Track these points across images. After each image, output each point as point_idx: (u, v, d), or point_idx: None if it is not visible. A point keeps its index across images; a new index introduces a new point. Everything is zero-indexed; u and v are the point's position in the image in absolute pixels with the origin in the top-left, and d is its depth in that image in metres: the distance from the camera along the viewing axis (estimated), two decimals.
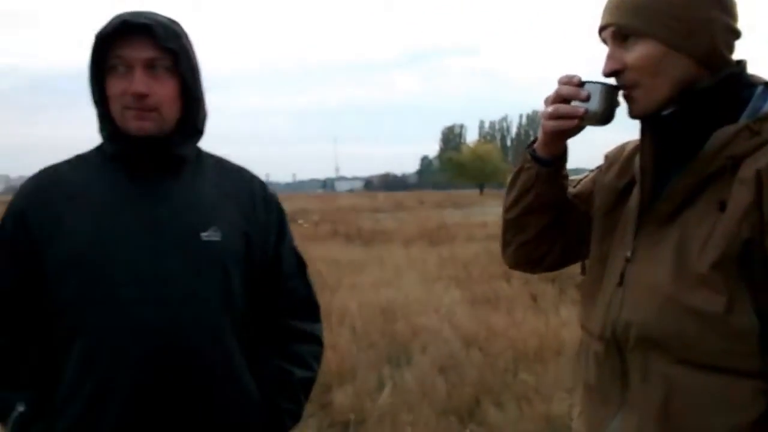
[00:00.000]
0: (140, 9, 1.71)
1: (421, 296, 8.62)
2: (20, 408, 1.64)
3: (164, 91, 1.68)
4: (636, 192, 1.47)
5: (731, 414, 1.27)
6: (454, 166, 74.78)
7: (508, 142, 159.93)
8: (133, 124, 1.67)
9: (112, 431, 1.62)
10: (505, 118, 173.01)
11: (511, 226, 1.65)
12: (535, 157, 1.56)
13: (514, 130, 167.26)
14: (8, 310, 1.70)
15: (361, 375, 5.63)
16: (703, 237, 1.31)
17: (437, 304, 8.25)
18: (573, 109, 1.44)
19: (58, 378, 1.66)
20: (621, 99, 1.44)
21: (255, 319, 1.80)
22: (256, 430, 1.78)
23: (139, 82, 1.64)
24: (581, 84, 1.44)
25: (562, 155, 1.56)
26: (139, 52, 1.66)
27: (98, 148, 1.78)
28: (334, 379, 5.51)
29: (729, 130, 1.33)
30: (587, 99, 1.43)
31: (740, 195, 1.29)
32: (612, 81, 1.43)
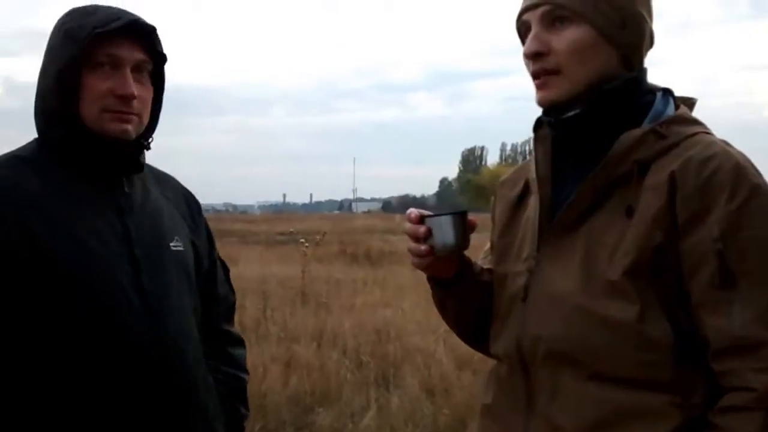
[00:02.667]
0: (111, 5, 1.65)
1: (419, 317, 8.48)
2: None
3: (147, 96, 1.64)
4: (533, 202, 1.41)
5: (645, 430, 1.22)
6: (473, 188, 74.89)
7: None
8: (114, 126, 1.58)
9: None
10: (527, 141, 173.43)
11: (453, 328, 1.61)
12: (436, 282, 1.50)
13: None
14: None
15: (346, 397, 5.51)
16: (611, 244, 1.26)
17: (435, 325, 8.10)
18: (416, 249, 1.39)
19: (42, 402, 1.51)
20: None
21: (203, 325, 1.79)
22: None
23: (131, 83, 1.58)
24: (420, 220, 1.38)
25: (460, 273, 1.49)
26: (132, 53, 1.60)
27: (39, 148, 1.63)
28: (318, 401, 5.39)
29: (635, 133, 1.29)
30: (427, 236, 1.37)
31: (650, 200, 1.24)
32: (458, 208, 1.43)
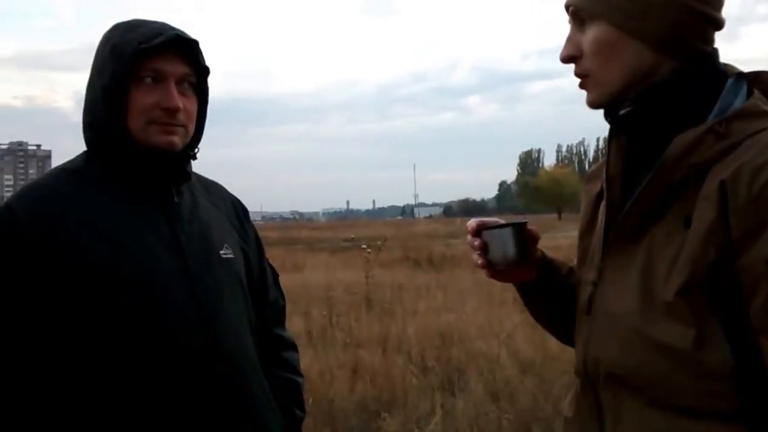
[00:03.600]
0: (154, 19, 1.71)
1: (481, 321, 8.50)
2: None
3: (192, 108, 1.68)
4: (603, 205, 1.33)
5: None
6: (531, 190, 74.08)
7: (586, 166, 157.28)
8: (161, 138, 1.62)
9: None
10: (582, 142, 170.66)
11: (546, 328, 1.59)
12: (518, 285, 1.51)
13: (591, 153, 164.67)
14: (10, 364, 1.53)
15: (411, 402, 5.56)
16: (669, 258, 1.16)
17: (498, 329, 8.11)
18: (475, 260, 1.40)
19: (99, 414, 1.54)
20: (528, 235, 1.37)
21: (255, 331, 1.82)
22: None
23: (176, 96, 1.62)
24: (477, 232, 1.39)
25: (545, 274, 1.47)
26: (176, 66, 1.64)
27: (91, 162, 1.68)
28: (384, 406, 5.46)
29: (690, 134, 1.16)
30: (483, 248, 1.38)
31: (704, 211, 1.13)
32: (521, 219, 1.40)
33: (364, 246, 11.16)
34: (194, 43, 1.67)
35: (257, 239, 1.93)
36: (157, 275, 1.60)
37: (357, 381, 5.93)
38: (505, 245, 1.36)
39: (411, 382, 6.03)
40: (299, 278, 12.87)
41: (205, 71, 1.71)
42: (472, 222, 1.40)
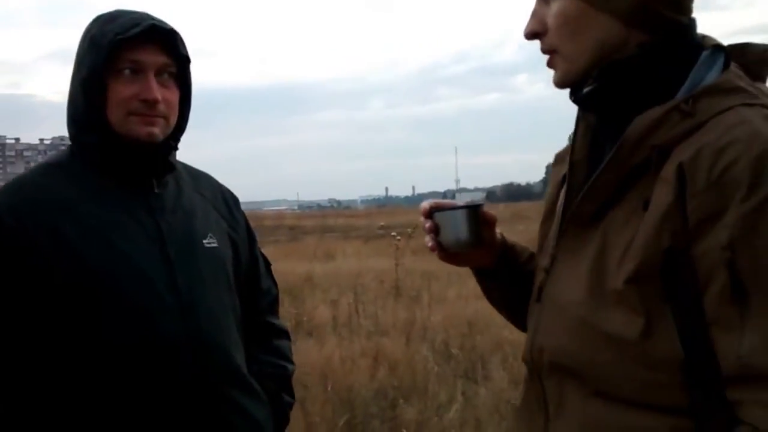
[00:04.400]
0: (136, 9, 1.69)
1: None
2: None
3: (173, 98, 1.68)
4: (564, 189, 1.27)
5: None
6: None
7: None
8: (141, 129, 1.63)
9: None
10: None
11: (503, 314, 1.54)
12: (477, 271, 1.46)
13: None
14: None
15: (432, 389, 5.52)
16: (624, 244, 1.10)
17: None
18: (427, 242, 1.35)
19: (72, 401, 1.56)
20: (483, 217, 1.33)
21: (243, 319, 1.83)
22: (268, 428, 1.79)
23: (155, 88, 1.62)
24: (430, 214, 1.33)
25: (503, 259, 1.42)
26: (155, 57, 1.63)
27: (73, 155, 1.70)
28: (404, 394, 5.43)
29: (653, 112, 1.09)
30: (435, 231, 1.32)
31: (660, 195, 1.06)
32: (476, 200, 1.34)
33: (393, 234, 11.13)
34: (173, 33, 1.65)
35: (248, 228, 1.93)
36: (138, 264, 1.61)
37: (378, 369, 5.91)
38: (457, 228, 1.32)
39: (433, 370, 5.98)
40: (331, 266, 12.89)
41: (186, 61, 1.70)
42: (425, 203, 1.35)
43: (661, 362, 1.06)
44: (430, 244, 1.34)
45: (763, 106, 1.09)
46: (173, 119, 1.70)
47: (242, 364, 1.75)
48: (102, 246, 1.58)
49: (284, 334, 1.97)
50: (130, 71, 1.62)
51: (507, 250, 1.44)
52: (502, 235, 1.43)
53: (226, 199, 1.89)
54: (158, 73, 1.64)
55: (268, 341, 1.90)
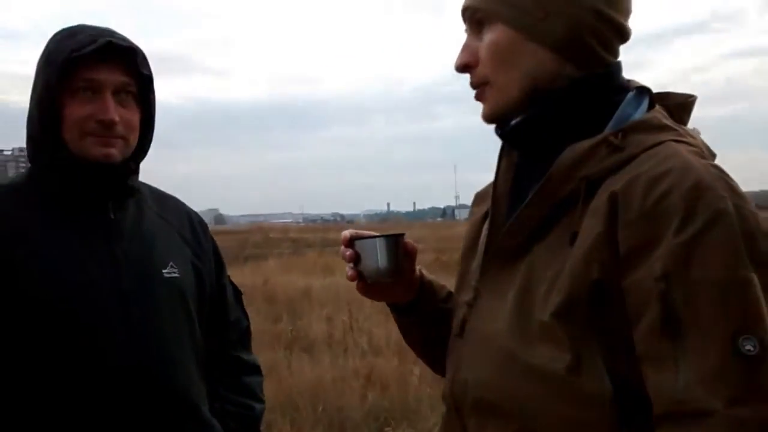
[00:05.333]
0: (93, 24, 1.63)
1: None
2: None
3: (132, 118, 1.60)
4: (486, 224, 1.25)
5: None
6: None
7: None
8: (97, 150, 1.55)
9: None
10: None
11: (418, 354, 1.50)
12: (395, 308, 1.41)
13: None
14: None
15: (423, 412, 5.49)
16: (550, 278, 1.07)
17: None
18: (348, 271, 1.30)
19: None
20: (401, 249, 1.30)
21: (207, 353, 1.74)
22: None
23: (112, 108, 1.55)
24: (350, 243, 1.30)
25: (422, 296, 1.38)
26: (112, 75, 1.56)
27: (30, 176, 1.64)
28: (395, 416, 5.40)
29: (582, 145, 1.08)
30: (355, 259, 1.29)
31: (589, 226, 1.04)
32: (392, 232, 1.30)
33: None
34: (132, 51, 1.58)
35: (216, 255, 1.83)
36: (87, 293, 1.54)
37: (369, 389, 5.88)
38: (377, 256, 1.28)
39: (425, 391, 5.94)
40: (330, 281, 12.84)
41: (147, 80, 1.62)
42: (346, 232, 1.31)
43: (589, 399, 1.02)
44: (350, 273, 1.30)
45: (689, 144, 1.09)
46: (133, 140, 1.62)
47: (200, 401, 1.67)
48: (53, 275, 1.52)
49: (254, 369, 1.87)
50: (86, 90, 1.55)
51: (425, 285, 1.39)
52: (420, 270, 1.40)
53: (192, 225, 1.80)
54: (116, 92, 1.57)
55: (235, 377, 1.81)
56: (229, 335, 1.83)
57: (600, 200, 1.04)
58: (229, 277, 1.88)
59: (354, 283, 1.32)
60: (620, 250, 1.01)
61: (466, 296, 1.24)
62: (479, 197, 1.38)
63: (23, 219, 1.57)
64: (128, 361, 1.54)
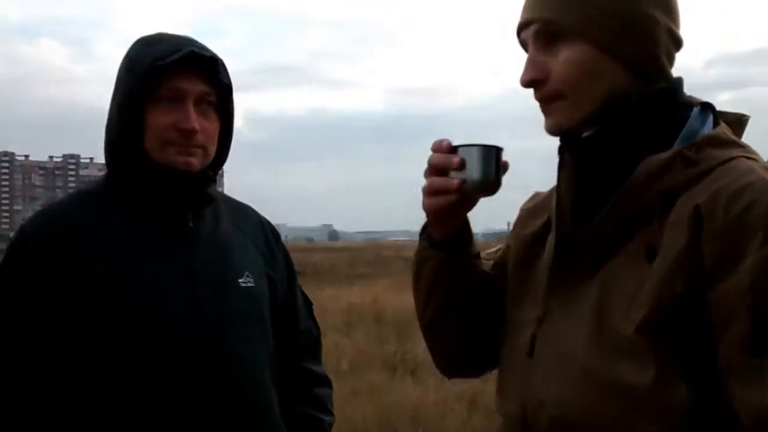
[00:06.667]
0: (178, 33, 1.66)
1: None
2: None
3: (212, 128, 1.62)
4: (551, 239, 1.22)
5: None
6: None
7: None
8: (177, 159, 1.57)
9: None
10: None
11: (431, 334, 1.38)
12: (432, 243, 1.29)
13: None
14: (18, 386, 1.52)
15: None
16: (628, 293, 1.06)
17: None
18: (446, 182, 1.18)
19: None
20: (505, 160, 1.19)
21: (279, 364, 1.74)
22: None
23: (193, 118, 1.56)
24: (453, 149, 1.19)
25: (463, 233, 1.29)
26: (194, 85, 1.57)
27: (108, 183, 1.66)
28: None
29: (659, 158, 1.09)
30: (461, 166, 1.17)
31: (672, 239, 1.04)
32: (491, 142, 1.19)
33: None
34: (213, 61, 1.59)
35: (288, 265, 1.83)
36: (165, 303, 1.55)
37: (474, 414, 5.75)
38: (483, 166, 1.18)
39: None
40: (408, 300, 12.75)
41: (227, 90, 1.63)
42: (443, 140, 1.21)
43: (672, 412, 1.01)
44: (455, 182, 1.17)
45: (756, 160, 1.11)
46: (212, 150, 1.63)
47: (272, 411, 1.67)
48: (128, 282, 1.53)
49: (324, 380, 1.85)
50: (168, 99, 1.56)
51: (465, 227, 1.30)
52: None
53: (266, 235, 1.80)
54: (197, 102, 1.58)
55: (305, 389, 1.79)
56: (299, 345, 1.82)
57: (681, 213, 1.04)
58: (300, 286, 1.88)
59: None
60: (705, 263, 1.01)
61: (533, 313, 1.21)
62: (530, 212, 1.35)
63: (100, 226, 1.59)
64: (204, 372, 1.54)
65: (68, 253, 1.53)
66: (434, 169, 1.20)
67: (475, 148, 1.18)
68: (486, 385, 6.71)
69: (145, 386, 1.52)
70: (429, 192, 1.22)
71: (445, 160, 1.19)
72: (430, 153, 1.22)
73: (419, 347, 8.67)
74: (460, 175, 1.18)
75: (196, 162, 1.58)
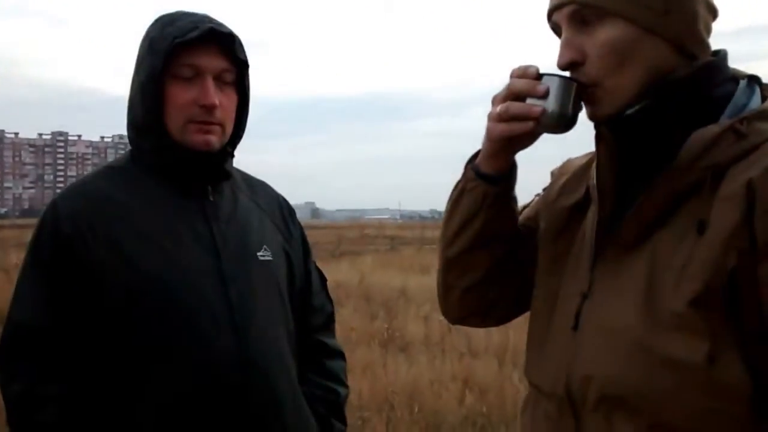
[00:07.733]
0: (193, 11, 1.66)
1: None
2: None
3: (230, 104, 1.64)
4: (592, 213, 1.20)
5: None
6: None
7: None
8: (198, 137, 1.60)
9: None
10: None
11: (454, 265, 1.33)
12: (479, 174, 1.26)
13: None
14: (56, 351, 1.54)
15: None
16: (678, 267, 1.04)
17: None
18: (527, 107, 1.14)
19: (131, 415, 1.55)
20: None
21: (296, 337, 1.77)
22: None
23: (212, 93, 1.58)
24: (539, 77, 1.15)
25: (511, 172, 1.27)
26: (213, 61, 1.60)
27: (132, 159, 1.69)
28: (492, 422, 5.27)
29: (709, 131, 1.06)
30: (545, 95, 1.13)
31: (724, 213, 1.02)
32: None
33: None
34: (231, 37, 1.61)
35: (303, 241, 1.86)
36: (191, 275, 1.58)
37: (467, 394, 5.77)
38: (566, 99, 1.14)
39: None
40: (426, 280, 12.79)
41: (244, 66, 1.65)
42: (530, 65, 1.17)
43: (727, 390, 1.00)
44: (537, 110, 1.14)
45: None
46: (230, 126, 1.66)
47: (293, 383, 1.69)
48: (156, 253, 1.57)
49: (338, 354, 1.88)
50: (188, 75, 1.59)
51: (513, 174, 1.29)
52: None
53: (282, 210, 1.84)
54: (216, 78, 1.60)
55: (320, 362, 1.82)
56: (314, 320, 1.84)
57: (732, 187, 1.02)
58: (314, 262, 1.90)
59: None
60: (757, 239, 0.99)
61: (576, 287, 1.18)
62: (564, 182, 1.32)
63: (128, 199, 1.62)
64: (229, 343, 1.56)
65: (97, 224, 1.56)
66: (514, 95, 1.16)
67: (558, 78, 1.14)
68: (479, 363, 6.75)
69: (171, 361, 1.54)
70: (504, 117, 1.17)
71: (529, 87, 1.15)
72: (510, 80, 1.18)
73: (407, 325, 8.72)
74: (540, 103, 1.14)
75: (215, 140, 1.61)
